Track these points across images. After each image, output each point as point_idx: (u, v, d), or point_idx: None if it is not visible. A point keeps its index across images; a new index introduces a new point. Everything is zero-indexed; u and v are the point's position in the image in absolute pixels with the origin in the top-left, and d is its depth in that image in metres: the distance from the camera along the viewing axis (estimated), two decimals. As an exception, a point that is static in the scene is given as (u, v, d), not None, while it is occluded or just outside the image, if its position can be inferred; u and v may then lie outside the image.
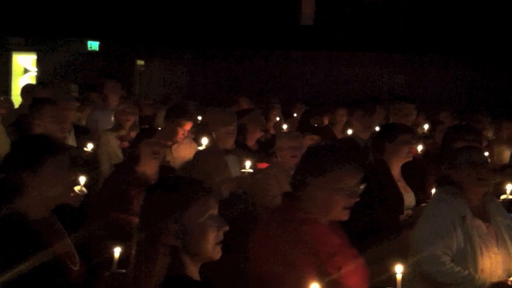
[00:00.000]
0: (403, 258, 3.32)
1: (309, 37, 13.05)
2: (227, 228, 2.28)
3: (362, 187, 2.87)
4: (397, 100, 7.06)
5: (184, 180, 2.37)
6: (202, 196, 2.26)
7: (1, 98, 7.05)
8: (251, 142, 6.27)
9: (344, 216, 2.87)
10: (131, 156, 4.77)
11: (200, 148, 5.72)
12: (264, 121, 6.96)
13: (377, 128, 6.43)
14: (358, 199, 2.85)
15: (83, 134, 6.36)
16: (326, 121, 8.08)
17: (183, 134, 5.87)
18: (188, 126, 5.93)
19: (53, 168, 2.73)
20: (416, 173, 4.78)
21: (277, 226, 2.86)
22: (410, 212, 4.44)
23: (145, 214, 2.28)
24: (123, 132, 6.34)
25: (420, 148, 5.17)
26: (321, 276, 2.66)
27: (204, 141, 5.69)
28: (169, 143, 5.64)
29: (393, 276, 3.05)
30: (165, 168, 4.89)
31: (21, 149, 2.80)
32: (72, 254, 2.80)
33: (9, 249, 2.53)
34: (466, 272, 3.55)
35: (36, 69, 15.37)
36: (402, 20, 13.66)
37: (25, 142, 2.93)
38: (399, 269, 3.04)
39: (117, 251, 3.16)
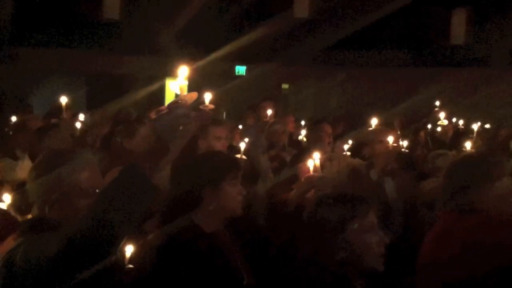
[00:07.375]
0: None
1: (461, 54, 12.64)
2: (387, 241, 2.38)
3: None
4: None
5: (347, 195, 2.47)
6: (364, 210, 2.37)
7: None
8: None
9: None
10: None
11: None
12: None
13: None
14: None
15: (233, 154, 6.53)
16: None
17: (328, 138, 5.98)
18: (328, 128, 6.06)
19: (231, 184, 2.83)
20: None
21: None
22: None
23: (311, 229, 2.38)
24: (274, 153, 6.45)
25: None
26: None
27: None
28: (322, 152, 5.68)
29: None
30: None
31: (204, 166, 2.90)
32: (243, 266, 2.86)
33: (189, 259, 2.60)
34: None
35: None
36: None
37: (207, 159, 3.02)
38: None
39: None
